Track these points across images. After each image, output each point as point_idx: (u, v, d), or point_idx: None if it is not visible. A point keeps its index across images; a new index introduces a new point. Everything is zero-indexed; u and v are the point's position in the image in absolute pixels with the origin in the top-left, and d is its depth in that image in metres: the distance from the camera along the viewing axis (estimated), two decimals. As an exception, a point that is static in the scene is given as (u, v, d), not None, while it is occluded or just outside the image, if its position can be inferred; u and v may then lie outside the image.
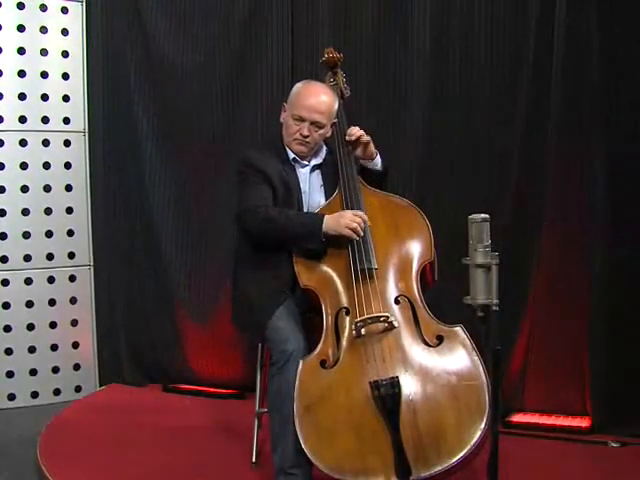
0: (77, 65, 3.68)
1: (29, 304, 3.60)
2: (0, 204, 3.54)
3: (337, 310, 2.46)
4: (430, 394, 2.23)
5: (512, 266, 3.04)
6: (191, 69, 3.68)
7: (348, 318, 2.42)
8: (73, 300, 3.73)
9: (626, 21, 2.96)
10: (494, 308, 1.91)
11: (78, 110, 3.69)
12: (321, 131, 2.66)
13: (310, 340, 2.47)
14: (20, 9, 3.52)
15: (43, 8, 3.57)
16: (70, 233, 3.70)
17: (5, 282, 3.56)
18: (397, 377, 2.24)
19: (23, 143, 3.56)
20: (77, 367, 3.74)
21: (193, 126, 3.71)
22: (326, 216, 2.51)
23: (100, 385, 3.82)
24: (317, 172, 2.76)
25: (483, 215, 1.96)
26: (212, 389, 3.73)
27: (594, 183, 3.07)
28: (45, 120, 3.60)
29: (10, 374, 3.58)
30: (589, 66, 3.03)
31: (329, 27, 3.47)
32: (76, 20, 3.66)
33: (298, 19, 3.52)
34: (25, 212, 3.58)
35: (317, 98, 2.64)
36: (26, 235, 3.59)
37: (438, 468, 2.14)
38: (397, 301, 2.44)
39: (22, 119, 3.55)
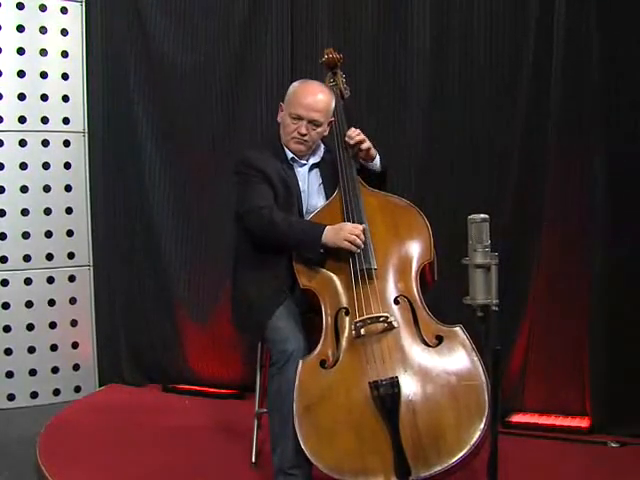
0: (77, 65, 3.68)
1: (29, 304, 3.60)
2: (0, 204, 3.54)
3: (337, 310, 2.46)
4: (430, 394, 2.23)
5: (512, 266, 3.04)
6: (191, 69, 3.67)
7: (348, 318, 2.42)
8: (73, 300, 3.73)
9: (626, 21, 2.96)
10: (493, 308, 1.91)
11: (78, 110, 3.69)
12: (319, 129, 2.66)
13: (310, 340, 2.47)
14: (20, 9, 3.52)
15: (43, 8, 3.57)
16: (70, 233, 3.70)
17: (5, 282, 3.56)
18: (397, 377, 2.24)
19: (23, 143, 3.56)
20: (77, 367, 3.74)
21: (193, 126, 3.71)
22: (327, 227, 2.50)
23: (100, 385, 3.82)
24: (315, 171, 2.77)
25: (482, 215, 1.96)
26: (212, 389, 3.72)
27: (594, 183, 3.06)
28: (45, 120, 3.60)
29: (10, 374, 3.58)
30: (589, 66, 3.03)
31: (329, 27, 3.47)
32: (76, 20, 3.67)
33: (298, 19, 3.52)
34: (25, 212, 3.58)
35: (314, 97, 2.64)
36: (26, 235, 3.59)
37: (438, 468, 2.14)
38: (397, 301, 2.44)
39: (22, 119, 3.55)
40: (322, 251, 2.52)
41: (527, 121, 3.18)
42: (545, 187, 3.16)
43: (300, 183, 2.71)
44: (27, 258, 3.59)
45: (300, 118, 2.63)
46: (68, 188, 3.69)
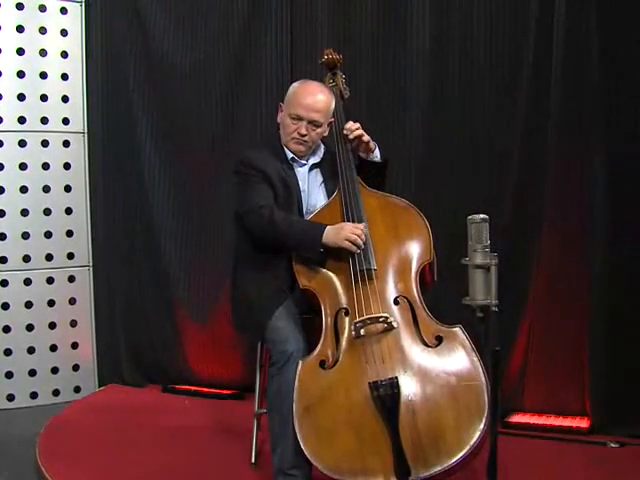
0: (76, 65, 3.68)
1: (28, 305, 3.61)
2: (0, 205, 3.53)
3: (336, 311, 2.46)
4: (429, 395, 2.23)
5: (512, 266, 3.04)
6: (191, 68, 3.67)
7: (347, 319, 2.42)
8: (72, 301, 3.73)
9: (626, 21, 2.95)
10: (493, 308, 1.91)
11: (77, 111, 3.70)
12: (319, 130, 2.67)
13: (309, 340, 2.47)
14: (19, 9, 3.52)
15: (42, 9, 3.57)
16: (69, 234, 3.70)
17: (4, 283, 3.56)
18: (396, 378, 2.24)
19: (22, 144, 3.56)
20: (76, 368, 3.75)
21: (192, 126, 3.71)
22: (327, 227, 2.50)
23: (99, 385, 3.83)
24: (316, 171, 2.76)
25: (482, 215, 1.96)
26: (211, 389, 3.72)
27: (594, 183, 3.06)
28: (44, 121, 3.60)
29: (9, 375, 3.58)
30: (589, 66, 3.02)
31: (328, 27, 3.46)
32: (75, 20, 3.67)
33: (297, 19, 3.52)
34: (24, 213, 3.58)
35: (314, 97, 2.64)
36: (25, 236, 3.59)
37: (437, 468, 2.14)
38: (396, 302, 2.44)
39: (21, 120, 3.55)
40: (322, 251, 2.52)
41: (527, 121, 3.17)
42: (545, 187, 3.16)
43: (300, 183, 2.71)
44: (27, 258, 3.59)
45: (300, 118, 2.63)
46: (68, 188, 3.69)
